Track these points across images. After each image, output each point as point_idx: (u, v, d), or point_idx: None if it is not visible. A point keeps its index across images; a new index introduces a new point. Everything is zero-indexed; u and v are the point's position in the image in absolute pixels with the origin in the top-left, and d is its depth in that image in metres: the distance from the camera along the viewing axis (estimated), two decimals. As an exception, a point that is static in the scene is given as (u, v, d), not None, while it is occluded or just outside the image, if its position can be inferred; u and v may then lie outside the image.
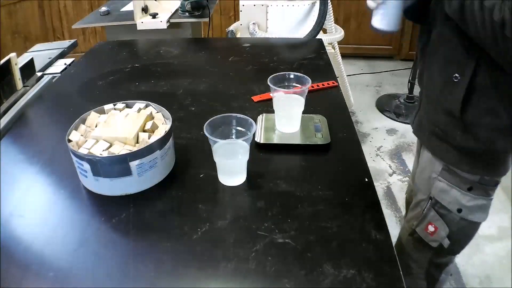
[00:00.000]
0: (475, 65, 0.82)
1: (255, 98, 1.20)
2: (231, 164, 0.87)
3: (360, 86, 3.32)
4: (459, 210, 0.97)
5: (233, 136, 0.89)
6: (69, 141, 0.87)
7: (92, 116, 0.95)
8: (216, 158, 0.86)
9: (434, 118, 0.95)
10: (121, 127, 0.89)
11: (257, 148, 0.98)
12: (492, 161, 0.92)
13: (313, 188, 0.84)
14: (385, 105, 3.04)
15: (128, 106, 0.99)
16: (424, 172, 1.03)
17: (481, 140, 0.88)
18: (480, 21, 0.73)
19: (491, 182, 0.95)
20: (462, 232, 1.01)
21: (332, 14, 2.48)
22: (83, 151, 0.83)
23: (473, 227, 1.01)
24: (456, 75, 0.85)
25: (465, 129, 0.89)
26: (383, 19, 0.87)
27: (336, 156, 0.96)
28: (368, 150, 2.56)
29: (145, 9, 2.05)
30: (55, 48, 1.65)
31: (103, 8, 2.13)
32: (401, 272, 0.66)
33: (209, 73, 1.40)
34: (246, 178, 0.88)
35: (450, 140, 0.92)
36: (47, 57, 1.55)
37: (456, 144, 0.92)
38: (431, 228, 1.02)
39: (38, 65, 1.45)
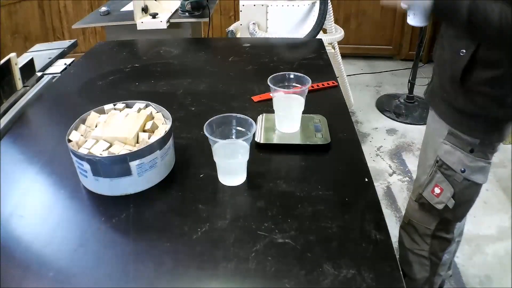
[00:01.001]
0: (477, 44, 0.96)
1: (255, 98, 1.20)
2: (231, 164, 0.87)
3: (360, 86, 3.32)
4: (463, 171, 1.08)
5: (233, 136, 0.89)
6: (69, 141, 0.87)
7: (92, 116, 0.95)
8: (216, 158, 0.86)
9: (442, 84, 1.10)
10: (121, 127, 0.89)
11: (257, 148, 0.98)
12: (488, 127, 1.05)
13: (313, 188, 0.84)
14: (385, 105, 3.04)
15: (128, 106, 0.99)
16: (432, 137, 1.15)
17: (477, 105, 1.02)
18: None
19: (489, 146, 1.07)
20: (465, 194, 1.12)
21: (332, 14, 2.48)
22: (83, 151, 0.83)
23: (475, 189, 1.12)
24: (463, 50, 0.99)
25: (465, 94, 1.03)
26: (415, 18, 1.06)
27: (336, 156, 0.96)
28: (368, 150, 2.56)
29: (145, 9, 2.05)
30: (55, 48, 1.65)
31: (103, 8, 2.13)
32: (401, 272, 0.66)
33: (209, 73, 1.40)
34: (246, 178, 0.88)
35: (454, 103, 1.06)
36: (47, 57, 1.55)
37: (458, 106, 1.06)
38: (437, 190, 1.13)
39: (38, 65, 1.45)
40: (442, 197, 1.13)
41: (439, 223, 1.20)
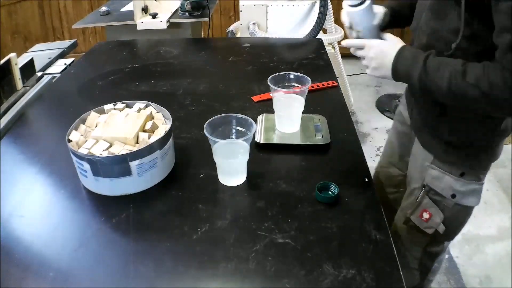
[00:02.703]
0: None
1: (255, 98, 1.20)
2: (231, 164, 0.87)
3: (360, 86, 3.32)
4: (453, 196, 1.01)
5: (233, 136, 0.89)
6: (69, 141, 0.87)
7: (92, 116, 0.95)
8: (216, 158, 0.86)
9: (424, 115, 1.03)
10: (121, 127, 0.89)
11: (257, 148, 0.98)
12: (475, 154, 0.99)
13: (313, 188, 0.84)
14: (385, 105, 3.04)
15: (128, 106, 0.99)
16: (417, 161, 1.07)
17: (468, 135, 0.96)
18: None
19: (481, 168, 1.00)
20: (456, 218, 1.05)
21: (332, 14, 2.48)
22: (83, 151, 0.83)
23: (466, 212, 1.05)
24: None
25: (452, 125, 0.97)
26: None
27: (336, 156, 0.96)
28: (368, 150, 2.56)
29: (145, 9, 2.05)
30: (55, 48, 1.65)
31: (103, 8, 2.13)
32: (401, 272, 0.66)
33: (209, 73, 1.40)
34: (246, 178, 0.88)
35: (438, 135, 0.99)
36: (47, 57, 1.55)
37: (441, 136, 0.99)
38: (425, 215, 1.06)
39: (38, 65, 1.45)
40: (431, 222, 1.06)
41: (429, 242, 1.13)
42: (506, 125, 0.94)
